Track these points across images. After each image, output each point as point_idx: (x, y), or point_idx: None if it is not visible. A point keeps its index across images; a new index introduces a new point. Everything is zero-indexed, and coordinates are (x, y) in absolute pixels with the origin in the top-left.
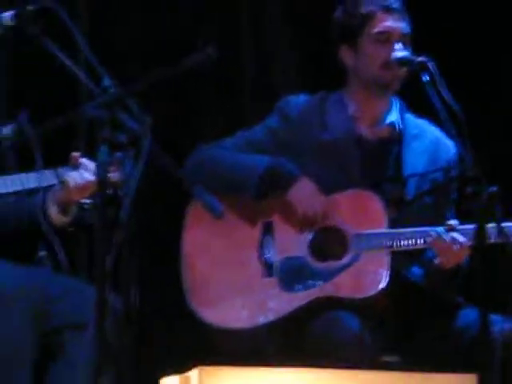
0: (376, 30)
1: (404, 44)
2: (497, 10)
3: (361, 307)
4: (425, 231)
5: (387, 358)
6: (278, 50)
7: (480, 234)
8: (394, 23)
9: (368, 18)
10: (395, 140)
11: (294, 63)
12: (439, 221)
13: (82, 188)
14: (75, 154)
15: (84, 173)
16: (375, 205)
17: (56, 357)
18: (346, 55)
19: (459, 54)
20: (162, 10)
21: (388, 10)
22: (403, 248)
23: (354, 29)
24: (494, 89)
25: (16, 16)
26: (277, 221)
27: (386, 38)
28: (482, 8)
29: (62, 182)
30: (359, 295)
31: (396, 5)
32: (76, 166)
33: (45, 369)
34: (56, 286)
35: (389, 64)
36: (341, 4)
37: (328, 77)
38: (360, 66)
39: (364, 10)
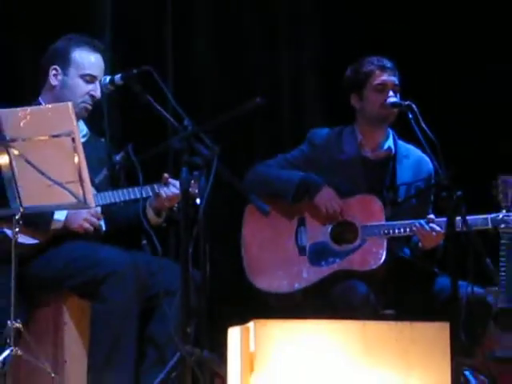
0: (375, 82)
1: (395, 92)
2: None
3: (367, 277)
4: (411, 223)
5: (386, 312)
6: (308, 97)
7: (450, 224)
8: (387, 77)
9: (369, 75)
10: (390, 159)
11: (320, 106)
12: (422, 216)
13: (171, 199)
14: (166, 175)
15: (172, 188)
16: (376, 205)
17: (154, 315)
18: (355, 101)
19: (434, 98)
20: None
21: (383, 68)
22: (396, 235)
23: (360, 82)
24: (458, 121)
25: (124, 77)
26: (307, 217)
27: (383, 88)
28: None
29: (157, 194)
30: (366, 268)
31: (389, 64)
32: (166, 184)
33: (146, 324)
34: (154, 264)
35: (384, 106)
36: (350, 66)
37: (343, 115)
38: (365, 107)
39: (366, 69)
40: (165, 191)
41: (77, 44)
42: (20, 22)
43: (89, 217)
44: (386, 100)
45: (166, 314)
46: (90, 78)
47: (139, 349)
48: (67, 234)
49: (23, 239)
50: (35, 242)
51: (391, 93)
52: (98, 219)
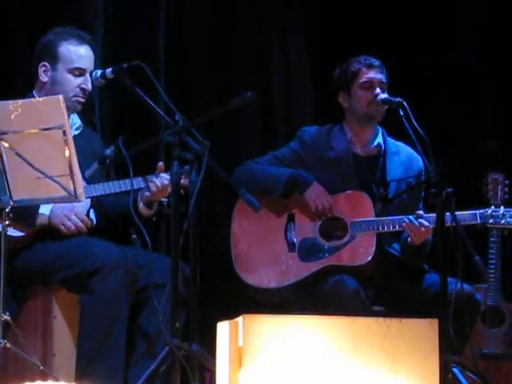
0: (362, 80)
1: (382, 89)
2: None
3: (356, 272)
4: (401, 219)
5: (375, 308)
6: (300, 97)
7: (439, 220)
8: (374, 75)
9: (356, 73)
10: (380, 156)
11: (310, 105)
12: (411, 211)
13: (162, 190)
14: (160, 163)
15: (163, 179)
16: (366, 201)
17: (144, 307)
18: (343, 99)
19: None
20: (216, 67)
21: (370, 66)
22: (386, 230)
23: (348, 81)
24: (448, 117)
25: (115, 71)
26: (297, 213)
27: (370, 86)
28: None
29: (148, 186)
30: (355, 264)
31: (376, 63)
32: (159, 174)
33: (136, 316)
34: (143, 257)
35: (372, 102)
36: (338, 65)
37: (332, 113)
38: (353, 105)
39: (353, 67)
40: (157, 182)
41: (63, 37)
42: (13, 16)
43: (72, 216)
44: (375, 97)
45: (155, 306)
46: (79, 72)
47: (129, 339)
48: (54, 230)
49: (10, 232)
50: (21, 234)
51: (378, 90)
52: (83, 222)
